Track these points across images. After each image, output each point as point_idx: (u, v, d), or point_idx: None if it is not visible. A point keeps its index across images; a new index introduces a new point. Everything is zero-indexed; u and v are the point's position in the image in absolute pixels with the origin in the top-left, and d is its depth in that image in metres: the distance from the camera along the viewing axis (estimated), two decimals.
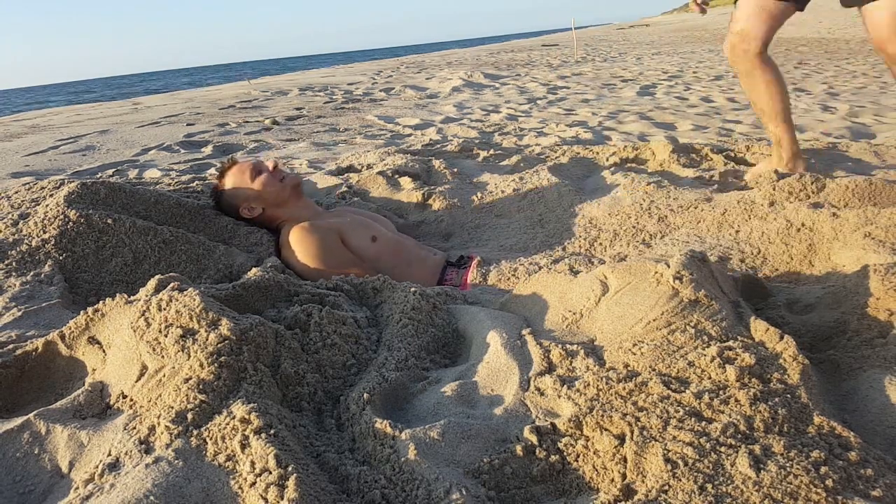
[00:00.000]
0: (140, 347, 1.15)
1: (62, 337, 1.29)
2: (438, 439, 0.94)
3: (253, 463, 0.90)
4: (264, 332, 1.16)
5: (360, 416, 1.02)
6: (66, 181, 2.40)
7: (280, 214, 2.12)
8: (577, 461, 0.90)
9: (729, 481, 0.80)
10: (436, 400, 1.08)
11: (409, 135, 4.66)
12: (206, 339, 1.10)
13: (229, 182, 2.13)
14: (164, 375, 1.09)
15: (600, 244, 2.00)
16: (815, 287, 1.44)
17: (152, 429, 1.00)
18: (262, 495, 0.84)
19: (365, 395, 1.06)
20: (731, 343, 1.06)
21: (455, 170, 2.93)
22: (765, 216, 1.89)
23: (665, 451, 0.85)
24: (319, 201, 2.51)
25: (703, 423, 0.89)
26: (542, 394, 1.05)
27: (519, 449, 0.91)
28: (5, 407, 1.24)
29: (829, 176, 2.23)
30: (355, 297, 1.49)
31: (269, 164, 2.13)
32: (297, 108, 6.37)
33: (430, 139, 4.33)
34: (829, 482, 0.78)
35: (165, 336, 1.13)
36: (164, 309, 1.18)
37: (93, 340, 1.27)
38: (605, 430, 0.92)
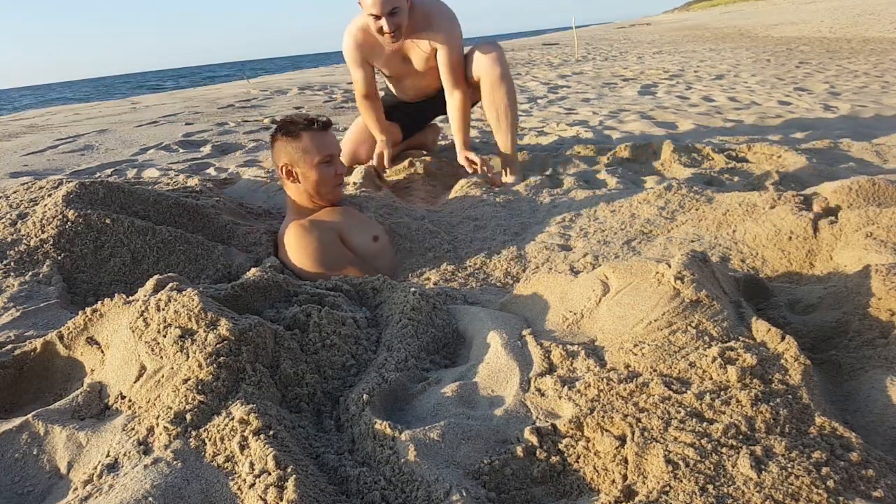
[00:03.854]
0: (138, 348, 1.14)
1: (60, 337, 1.29)
2: (438, 440, 0.94)
3: (252, 464, 0.89)
4: (263, 332, 1.15)
5: (359, 417, 1.02)
6: (64, 181, 2.40)
7: (298, 203, 2.10)
8: (578, 462, 0.90)
9: (730, 482, 0.80)
10: (436, 401, 1.08)
11: None
12: (205, 340, 1.09)
13: (305, 139, 2.00)
14: (163, 376, 1.08)
15: (603, 243, 2.00)
16: (816, 287, 1.44)
17: (151, 430, 1.00)
18: (261, 496, 0.84)
19: (364, 396, 1.06)
20: (732, 343, 1.06)
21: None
22: (765, 218, 1.89)
23: (666, 452, 0.84)
24: None
25: (705, 424, 0.89)
26: (542, 394, 1.05)
27: (519, 450, 0.91)
28: (4, 407, 1.23)
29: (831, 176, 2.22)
30: (355, 298, 1.48)
31: (341, 170, 2.08)
32: (297, 108, 6.36)
33: None
34: (830, 483, 0.78)
35: (164, 336, 1.13)
36: (163, 309, 1.17)
37: (91, 341, 1.27)
38: (606, 430, 0.91)
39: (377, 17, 2.60)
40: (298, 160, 2.01)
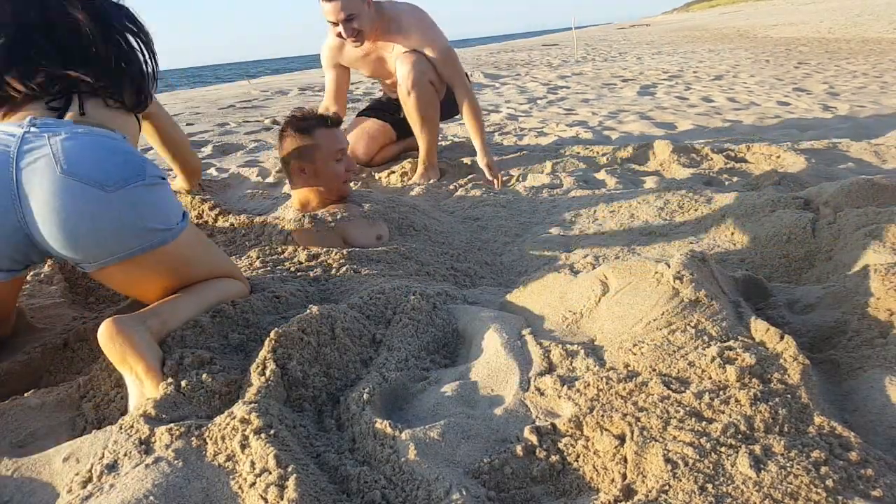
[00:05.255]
0: None
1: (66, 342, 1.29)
2: (438, 439, 0.94)
3: (253, 463, 0.89)
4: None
5: (360, 417, 1.02)
6: None
7: (303, 199, 2.11)
8: (578, 461, 0.90)
9: (729, 481, 0.80)
10: (436, 400, 1.08)
11: None
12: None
13: (318, 135, 2.03)
14: None
15: (602, 243, 2.00)
16: (815, 287, 1.44)
17: (152, 429, 1.00)
18: (261, 495, 0.84)
19: (365, 396, 1.06)
20: (731, 343, 1.06)
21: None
22: (764, 219, 1.89)
23: (665, 452, 0.85)
24: None
25: (704, 424, 0.89)
26: (542, 394, 1.05)
27: (519, 449, 0.91)
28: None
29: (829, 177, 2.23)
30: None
31: (351, 165, 2.11)
32: (298, 108, 6.35)
33: None
34: (829, 482, 0.78)
35: None
36: None
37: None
38: (606, 430, 0.92)
39: (335, 24, 2.67)
40: (311, 156, 2.03)
